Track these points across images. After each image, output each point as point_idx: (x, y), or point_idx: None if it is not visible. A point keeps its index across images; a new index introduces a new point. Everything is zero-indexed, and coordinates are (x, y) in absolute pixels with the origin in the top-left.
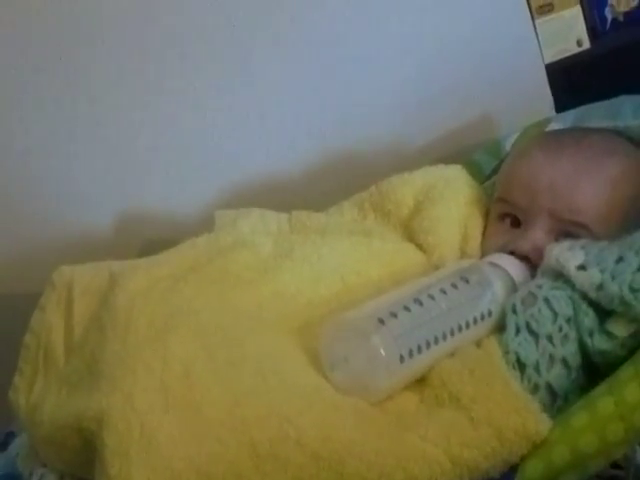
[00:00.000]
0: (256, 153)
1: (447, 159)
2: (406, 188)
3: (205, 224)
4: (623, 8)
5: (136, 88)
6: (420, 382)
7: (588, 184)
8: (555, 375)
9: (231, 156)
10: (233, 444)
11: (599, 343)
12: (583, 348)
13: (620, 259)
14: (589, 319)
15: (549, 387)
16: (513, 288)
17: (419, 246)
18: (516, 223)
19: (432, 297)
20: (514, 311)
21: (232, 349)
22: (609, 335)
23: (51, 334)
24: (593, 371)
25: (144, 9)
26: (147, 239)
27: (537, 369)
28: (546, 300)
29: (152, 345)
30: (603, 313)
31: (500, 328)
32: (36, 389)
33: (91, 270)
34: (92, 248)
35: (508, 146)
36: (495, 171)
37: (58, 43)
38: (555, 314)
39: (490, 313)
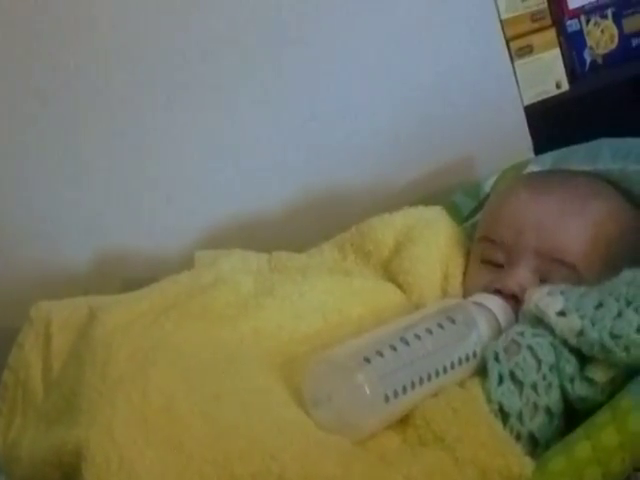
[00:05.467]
0: (236, 194)
1: (426, 201)
2: (386, 229)
3: (185, 264)
4: (602, 50)
5: (116, 127)
6: (402, 422)
7: (574, 224)
8: (538, 424)
9: (210, 197)
10: (214, 479)
11: (579, 389)
12: (564, 394)
13: (600, 305)
14: (570, 366)
15: (531, 436)
16: (498, 329)
17: (399, 286)
18: (499, 263)
19: (418, 337)
20: (497, 359)
21: (214, 383)
22: (589, 382)
23: (29, 371)
24: (572, 416)
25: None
26: (126, 279)
27: (520, 418)
28: (530, 348)
29: (132, 378)
30: (582, 359)
31: (483, 370)
32: (14, 427)
33: (69, 305)
34: (71, 288)
35: (487, 188)
36: (474, 213)
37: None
38: (539, 362)
39: (475, 354)
